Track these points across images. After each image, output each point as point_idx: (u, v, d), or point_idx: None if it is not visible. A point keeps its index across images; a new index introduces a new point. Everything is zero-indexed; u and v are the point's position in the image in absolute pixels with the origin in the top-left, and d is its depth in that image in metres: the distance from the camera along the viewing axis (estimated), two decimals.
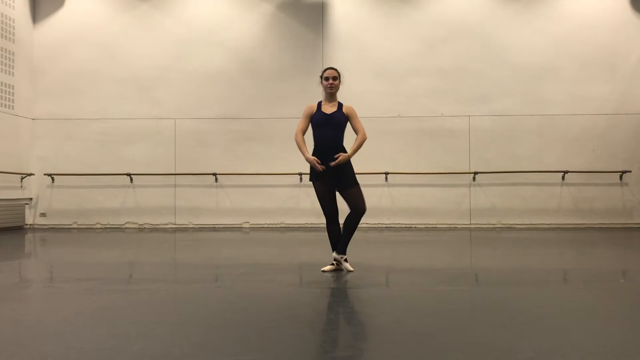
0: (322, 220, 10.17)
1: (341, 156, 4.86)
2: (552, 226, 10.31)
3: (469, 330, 2.95)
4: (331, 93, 5.06)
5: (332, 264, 5.04)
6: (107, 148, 10.75)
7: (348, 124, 5.08)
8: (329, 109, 5.03)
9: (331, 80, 5.05)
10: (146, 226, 10.69)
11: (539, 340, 2.75)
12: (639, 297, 3.96)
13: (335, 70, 5.15)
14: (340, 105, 5.06)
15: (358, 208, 4.93)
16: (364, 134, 5.03)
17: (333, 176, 4.95)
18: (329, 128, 4.94)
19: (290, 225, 10.52)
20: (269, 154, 10.52)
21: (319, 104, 5.09)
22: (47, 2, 10.94)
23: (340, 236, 5.06)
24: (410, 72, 10.62)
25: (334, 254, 5.00)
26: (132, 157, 10.70)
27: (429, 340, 2.78)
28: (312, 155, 4.98)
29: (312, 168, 5.01)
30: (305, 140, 5.02)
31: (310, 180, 5.13)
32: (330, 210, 5.02)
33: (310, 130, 5.08)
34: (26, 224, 10.67)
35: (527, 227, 10.27)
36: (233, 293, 4.05)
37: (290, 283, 4.55)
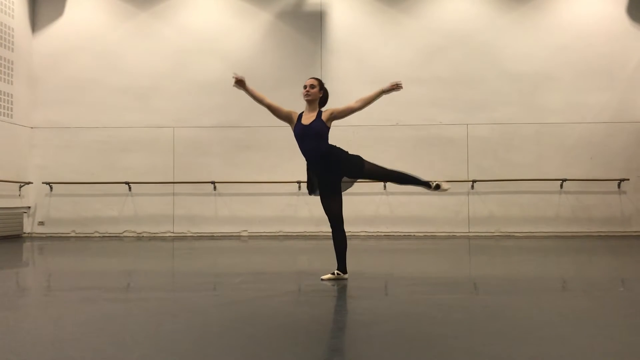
0: (320, 229, 10.25)
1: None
2: (551, 234, 10.31)
3: (467, 339, 2.95)
4: (307, 101, 5.03)
5: (332, 273, 5.02)
6: (105, 156, 10.74)
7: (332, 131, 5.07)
8: (307, 119, 4.97)
9: (308, 88, 5.02)
10: (144, 234, 10.67)
11: (537, 349, 2.75)
12: (638, 305, 3.96)
13: (316, 79, 5.12)
14: (319, 113, 5.00)
15: None
16: (358, 99, 5.04)
17: (326, 181, 4.95)
18: (309, 139, 4.90)
19: (289, 234, 10.51)
20: (267, 162, 10.52)
21: (300, 115, 5.04)
22: (46, 11, 10.96)
23: (346, 246, 5.05)
24: (409, 80, 10.53)
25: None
26: (131, 165, 10.69)
27: (427, 348, 2.77)
28: (307, 169, 5.02)
29: (308, 182, 5.04)
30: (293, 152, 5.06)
31: (310, 194, 5.14)
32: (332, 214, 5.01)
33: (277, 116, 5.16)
34: (24, 233, 10.64)
35: (526, 235, 10.27)
36: (231, 301, 4.04)
37: (289, 291, 4.55)
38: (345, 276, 5.00)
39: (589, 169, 10.42)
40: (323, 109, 5.07)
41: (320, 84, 5.10)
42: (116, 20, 10.92)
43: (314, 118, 4.96)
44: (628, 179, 10.35)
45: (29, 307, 4.10)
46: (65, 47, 10.88)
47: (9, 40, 10.20)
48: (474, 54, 10.65)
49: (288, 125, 5.12)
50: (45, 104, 10.83)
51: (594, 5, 10.67)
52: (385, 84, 5.05)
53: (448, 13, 10.75)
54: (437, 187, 4.99)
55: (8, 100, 10.16)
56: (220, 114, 10.67)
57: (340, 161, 4.92)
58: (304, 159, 5.04)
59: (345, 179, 5.02)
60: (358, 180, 5.14)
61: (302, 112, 5.07)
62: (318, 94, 5.04)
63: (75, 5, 10.96)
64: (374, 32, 10.78)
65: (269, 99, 5.11)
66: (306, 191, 5.22)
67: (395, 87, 5.02)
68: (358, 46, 10.72)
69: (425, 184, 5.01)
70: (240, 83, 5.14)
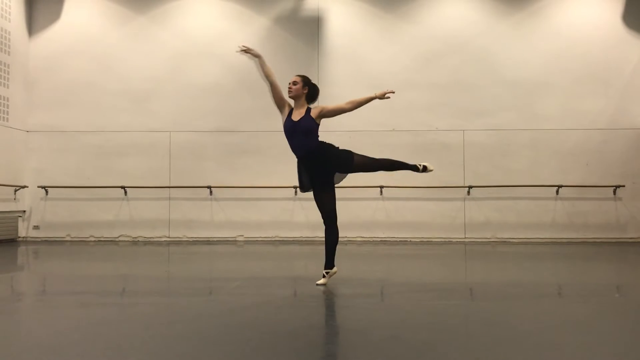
0: (316, 234, 10.23)
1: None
2: (547, 240, 10.32)
3: (463, 345, 2.95)
4: (291, 97, 5.09)
5: (324, 276, 5.01)
6: (101, 160, 10.72)
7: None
8: (297, 115, 5.03)
9: (290, 85, 5.09)
10: (140, 239, 10.64)
11: (533, 355, 2.74)
12: (634, 312, 3.96)
13: (299, 75, 5.18)
14: (308, 109, 5.04)
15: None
16: (349, 101, 5.13)
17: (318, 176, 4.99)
18: (298, 136, 4.96)
19: (285, 239, 10.49)
20: (263, 166, 10.51)
21: (291, 111, 5.09)
22: (43, 15, 10.95)
23: (337, 242, 5.06)
24: (406, 86, 10.65)
25: None
26: (127, 169, 10.66)
27: (423, 355, 2.77)
28: (297, 165, 5.03)
29: (299, 179, 5.04)
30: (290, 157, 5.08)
31: (303, 191, 5.14)
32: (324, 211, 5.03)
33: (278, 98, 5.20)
34: (19, 237, 10.59)
35: (522, 241, 10.28)
36: (227, 306, 4.03)
37: (284, 296, 4.54)
38: (335, 270, 5.02)
39: (585, 175, 10.44)
40: (312, 106, 5.11)
41: (304, 80, 5.14)
42: (113, 23, 10.91)
43: (302, 114, 5.02)
44: (624, 186, 10.37)
45: (23, 311, 4.08)
46: (62, 51, 10.87)
47: (5, 43, 10.18)
48: (470, 60, 10.68)
49: (284, 130, 5.13)
50: (42, 108, 10.80)
51: (590, 12, 10.71)
52: (379, 91, 5.15)
53: (445, 19, 10.79)
54: (425, 168, 5.32)
55: (4, 103, 10.14)
56: (217, 118, 10.66)
57: (330, 156, 4.97)
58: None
59: (337, 174, 5.06)
60: (350, 173, 5.17)
61: (292, 109, 5.12)
62: (301, 90, 5.09)
63: (73, 9, 10.95)
64: (371, 37, 10.81)
65: (275, 77, 5.14)
66: (302, 196, 5.24)
67: (388, 96, 5.13)
68: (355, 51, 10.74)
69: (413, 167, 5.27)
70: (253, 54, 5.26)
